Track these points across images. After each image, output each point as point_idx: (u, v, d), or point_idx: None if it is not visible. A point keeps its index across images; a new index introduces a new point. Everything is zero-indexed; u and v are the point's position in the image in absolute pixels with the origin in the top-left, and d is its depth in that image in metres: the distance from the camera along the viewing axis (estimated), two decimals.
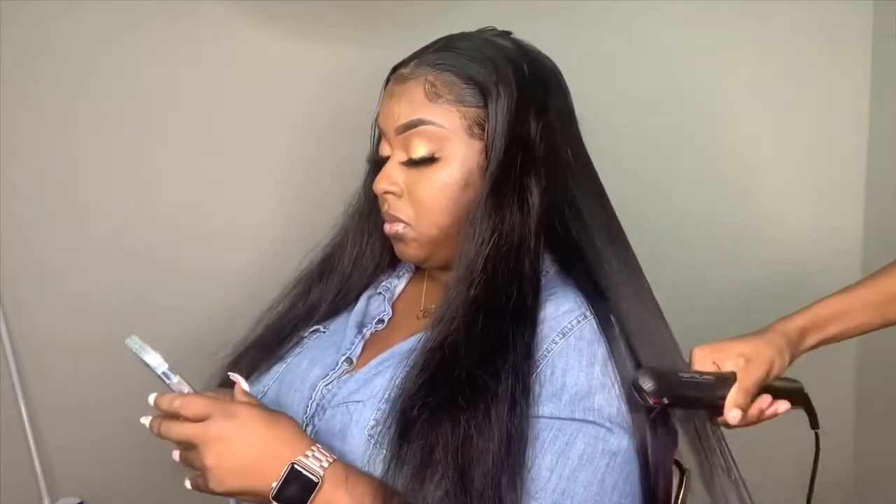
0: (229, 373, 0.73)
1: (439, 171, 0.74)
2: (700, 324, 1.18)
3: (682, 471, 0.80)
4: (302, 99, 1.18)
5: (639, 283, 0.75)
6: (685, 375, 0.68)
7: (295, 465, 0.62)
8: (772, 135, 1.15)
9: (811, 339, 0.74)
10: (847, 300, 0.76)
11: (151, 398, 0.66)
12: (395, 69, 0.79)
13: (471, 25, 0.83)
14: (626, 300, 0.72)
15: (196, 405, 0.64)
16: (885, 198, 1.11)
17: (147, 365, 0.66)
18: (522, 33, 0.81)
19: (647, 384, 0.65)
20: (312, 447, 0.65)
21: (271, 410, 0.68)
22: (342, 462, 0.66)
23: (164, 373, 0.66)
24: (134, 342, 0.67)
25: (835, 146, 1.13)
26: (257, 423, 0.64)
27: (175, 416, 0.65)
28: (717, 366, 0.69)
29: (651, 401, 0.65)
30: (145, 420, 0.68)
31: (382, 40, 1.10)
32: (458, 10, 1.07)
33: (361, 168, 0.86)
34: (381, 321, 0.82)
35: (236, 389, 0.70)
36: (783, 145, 1.15)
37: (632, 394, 0.66)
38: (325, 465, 0.63)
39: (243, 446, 0.63)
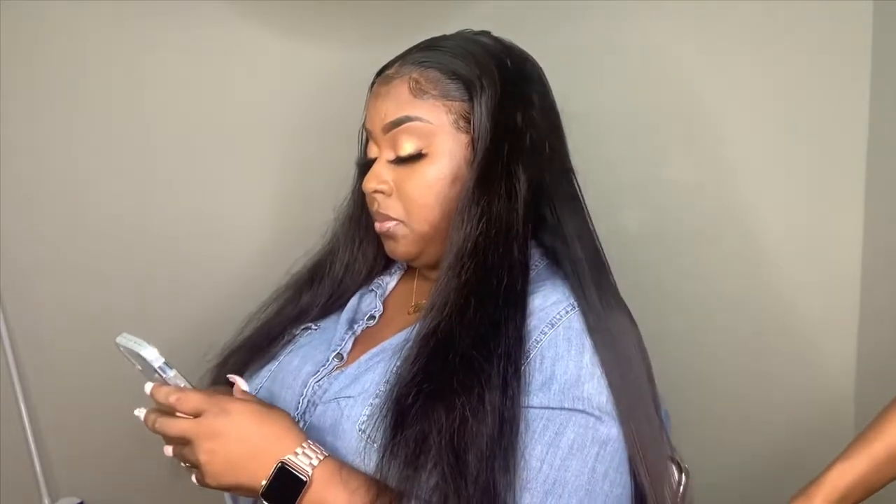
0: (228, 375, 0.73)
1: (428, 166, 0.75)
2: (691, 326, 1.18)
3: (682, 469, 0.80)
4: (299, 99, 1.18)
5: (607, 282, 0.76)
6: None
7: (284, 464, 0.63)
8: (770, 135, 1.14)
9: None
10: (861, 464, 0.74)
11: (148, 387, 0.67)
12: (379, 72, 0.80)
13: (470, 26, 0.83)
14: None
15: (191, 400, 0.65)
16: (885, 198, 1.11)
17: (142, 359, 0.66)
18: (520, 33, 0.82)
19: None
20: (304, 444, 0.65)
21: (266, 406, 0.68)
22: (334, 458, 0.66)
23: (160, 367, 0.66)
24: (127, 339, 0.67)
25: (834, 146, 1.13)
26: (250, 420, 0.65)
27: (170, 411, 0.66)
28: None
29: None
30: (140, 412, 0.68)
31: (380, 41, 1.10)
32: (455, 11, 1.07)
33: (355, 170, 0.86)
34: (372, 317, 0.82)
35: (235, 390, 0.70)
36: (781, 145, 1.14)
37: None
38: (315, 462, 0.64)
39: (234, 443, 0.63)
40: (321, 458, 0.64)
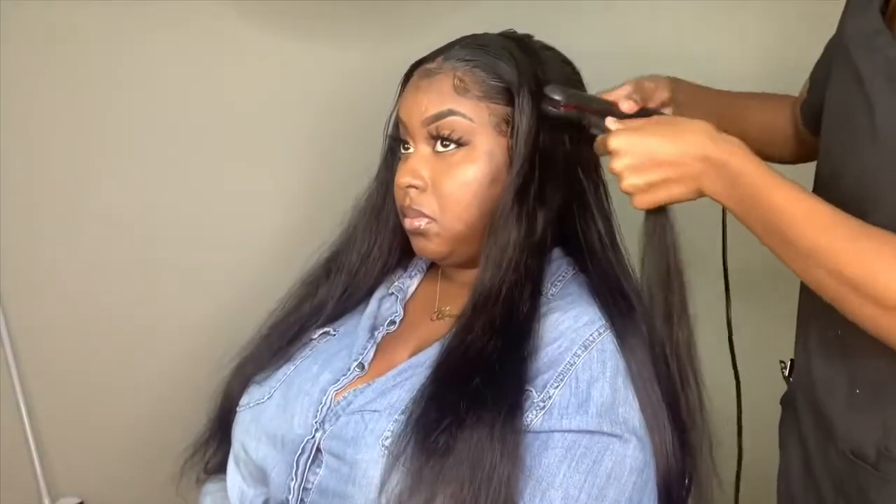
0: None
1: (467, 164, 0.73)
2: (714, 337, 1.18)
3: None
4: (309, 98, 1.17)
5: (635, 294, 0.76)
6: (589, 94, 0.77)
7: None
8: None
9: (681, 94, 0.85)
10: (705, 97, 0.89)
11: None
12: (417, 64, 0.79)
13: (480, 24, 0.83)
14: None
15: None
16: None
17: None
18: (526, 31, 0.82)
19: (557, 95, 0.72)
20: None
21: None
22: None
23: None
24: None
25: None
26: None
27: None
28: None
29: (562, 109, 0.72)
30: None
31: (390, 39, 1.10)
32: (466, 10, 1.07)
33: (369, 167, 0.85)
34: (392, 322, 0.81)
35: None
36: None
37: (545, 106, 0.73)
38: None
39: None
40: None
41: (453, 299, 0.78)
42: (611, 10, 1.13)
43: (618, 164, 0.65)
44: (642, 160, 0.64)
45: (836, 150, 0.71)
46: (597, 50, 1.13)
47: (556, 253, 0.78)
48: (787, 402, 0.84)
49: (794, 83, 1.13)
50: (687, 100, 0.86)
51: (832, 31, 1.11)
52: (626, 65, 1.14)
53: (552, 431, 0.65)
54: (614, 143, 0.66)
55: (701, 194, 0.65)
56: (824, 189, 0.71)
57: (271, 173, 1.21)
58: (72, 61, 1.16)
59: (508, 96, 0.73)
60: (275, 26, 1.15)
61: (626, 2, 1.13)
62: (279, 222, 1.22)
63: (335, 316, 0.84)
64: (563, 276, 0.76)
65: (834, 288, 0.59)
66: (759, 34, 1.13)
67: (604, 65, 1.14)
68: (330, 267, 0.86)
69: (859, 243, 0.58)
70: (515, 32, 0.80)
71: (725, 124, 0.83)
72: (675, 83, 0.86)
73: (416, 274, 0.86)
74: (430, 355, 0.72)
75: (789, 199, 0.60)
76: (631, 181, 0.65)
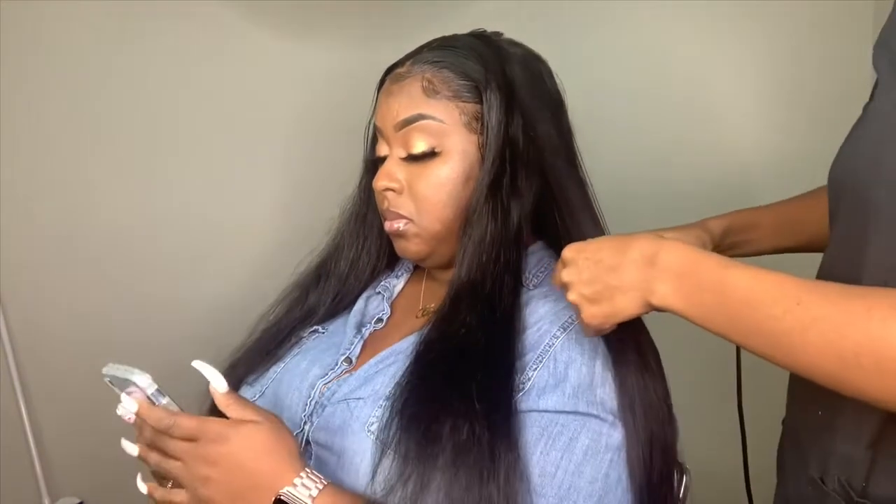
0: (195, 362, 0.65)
1: (440, 165, 0.74)
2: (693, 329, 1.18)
3: (682, 471, 0.80)
4: (302, 99, 1.18)
5: None
6: None
7: (281, 498, 0.60)
8: (772, 132, 1.15)
9: (728, 240, 0.83)
10: (759, 215, 0.85)
11: (129, 405, 0.63)
12: (389, 70, 0.80)
13: (471, 26, 0.83)
14: None
15: (185, 427, 0.61)
16: None
17: (133, 387, 0.63)
18: (520, 33, 0.82)
19: None
20: (302, 473, 0.61)
21: (267, 430, 0.63)
22: (334, 486, 0.63)
23: (153, 394, 0.63)
24: (115, 368, 0.64)
25: (836, 146, 1.13)
26: (248, 448, 0.61)
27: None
28: None
29: None
30: (130, 448, 0.66)
31: (382, 41, 1.10)
32: (457, 11, 1.07)
33: (360, 168, 0.86)
34: (379, 320, 0.82)
35: (213, 393, 0.65)
36: (784, 142, 1.15)
37: None
38: (315, 493, 0.60)
39: (231, 473, 0.60)
40: (320, 487, 0.61)
41: (438, 297, 0.78)
42: (610, 11, 1.13)
43: (567, 274, 0.64)
44: (588, 265, 0.62)
45: (842, 156, 0.69)
46: (594, 52, 1.14)
47: (538, 245, 0.79)
48: (784, 421, 0.82)
49: (796, 96, 1.14)
50: (743, 239, 0.83)
51: (837, 47, 1.11)
52: (623, 65, 1.15)
53: (530, 411, 0.65)
54: (566, 252, 0.64)
55: (650, 307, 0.60)
56: (830, 199, 0.69)
57: (267, 174, 1.22)
58: (72, 62, 1.17)
59: (478, 94, 0.74)
60: (271, 28, 1.15)
61: (625, 3, 1.13)
62: (273, 224, 1.23)
63: (325, 318, 0.85)
64: (546, 269, 0.76)
65: (832, 364, 0.50)
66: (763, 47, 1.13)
67: (601, 66, 1.15)
68: (320, 273, 0.87)
69: (852, 304, 0.50)
70: (485, 31, 0.81)
71: (793, 237, 0.84)
72: (720, 235, 0.82)
73: (402, 274, 0.88)
74: (411, 341, 0.73)
75: (755, 278, 0.54)
76: (579, 290, 0.63)
